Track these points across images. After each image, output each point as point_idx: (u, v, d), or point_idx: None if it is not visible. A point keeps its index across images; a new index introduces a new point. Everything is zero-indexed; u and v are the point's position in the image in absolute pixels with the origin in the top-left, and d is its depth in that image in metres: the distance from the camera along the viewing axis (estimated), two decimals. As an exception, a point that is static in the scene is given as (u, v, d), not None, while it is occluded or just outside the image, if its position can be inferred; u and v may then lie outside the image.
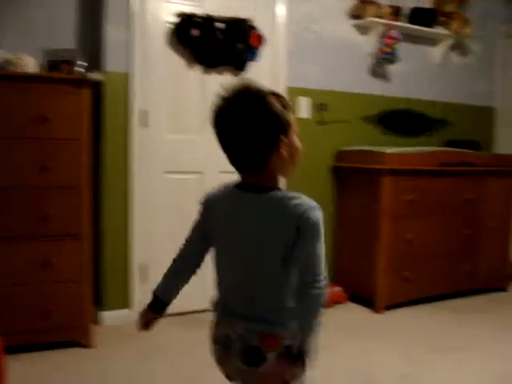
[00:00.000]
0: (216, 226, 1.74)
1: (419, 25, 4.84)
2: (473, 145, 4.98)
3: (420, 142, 5.00)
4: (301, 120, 4.37)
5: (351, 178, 4.45)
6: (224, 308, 1.72)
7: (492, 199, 4.75)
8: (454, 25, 5.01)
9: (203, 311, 4.06)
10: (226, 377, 1.73)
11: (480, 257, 4.74)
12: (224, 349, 1.68)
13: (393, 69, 4.82)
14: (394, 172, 4.09)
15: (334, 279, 4.56)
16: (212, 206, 1.77)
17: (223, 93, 1.66)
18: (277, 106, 1.58)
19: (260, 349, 1.60)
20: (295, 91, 4.35)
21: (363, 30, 4.67)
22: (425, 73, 5.07)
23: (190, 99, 4.05)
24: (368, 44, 4.69)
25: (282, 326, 1.62)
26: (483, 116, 5.56)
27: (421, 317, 4.16)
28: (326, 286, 1.62)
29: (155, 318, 1.87)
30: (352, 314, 4.20)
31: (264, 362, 1.60)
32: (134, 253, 3.89)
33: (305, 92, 4.42)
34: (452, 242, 4.54)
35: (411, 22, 4.83)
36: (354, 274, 4.42)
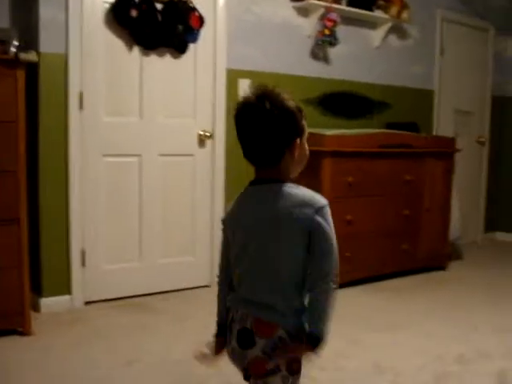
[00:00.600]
0: (236, 230, 1.77)
1: (359, 8, 4.88)
2: (412, 127, 5.07)
3: (361, 124, 5.06)
4: (242, 102, 4.37)
5: (292, 160, 4.46)
6: (235, 296, 1.76)
7: (431, 180, 4.84)
8: (393, 9, 5.07)
9: (143, 295, 4.05)
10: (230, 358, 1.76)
11: (419, 237, 4.84)
12: (229, 331, 1.73)
13: (333, 51, 4.85)
14: (334, 154, 4.13)
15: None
16: (230, 218, 1.82)
17: (252, 90, 1.71)
18: (297, 112, 1.70)
19: (252, 332, 1.65)
20: (235, 73, 4.34)
21: (304, 12, 4.68)
22: (365, 56, 5.12)
23: (129, 81, 3.99)
24: (308, 26, 4.70)
25: (282, 317, 1.64)
26: (422, 98, 5.66)
27: (361, 297, 4.23)
28: (336, 285, 1.65)
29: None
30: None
31: (253, 346, 1.64)
32: (72, 237, 3.81)
33: (245, 74, 4.40)
34: (392, 223, 4.62)
35: (351, 4, 4.86)
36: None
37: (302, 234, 1.63)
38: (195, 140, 4.27)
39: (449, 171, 4.99)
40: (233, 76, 4.32)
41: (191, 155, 4.26)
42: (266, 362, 1.63)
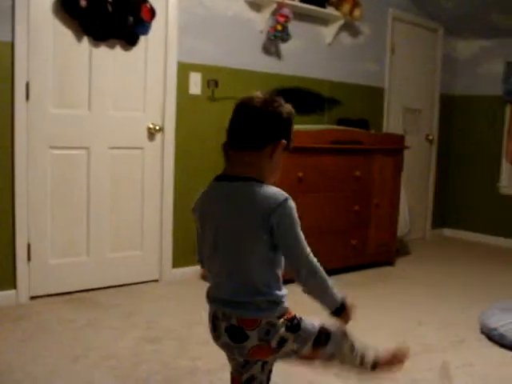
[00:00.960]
0: (205, 222, 1.92)
1: (311, 4, 4.90)
2: (362, 123, 5.12)
3: (312, 120, 5.08)
4: (191, 96, 4.34)
5: (244, 155, 4.45)
6: (211, 293, 1.91)
7: (380, 176, 4.90)
8: (345, 6, 5.10)
9: (90, 290, 4.00)
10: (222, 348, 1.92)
11: (368, 232, 4.90)
12: (214, 327, 1.88)
13: (285, 47, 4.86)
14: (284, 149, 4.12)
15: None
16: (200, 208, 1.95)
17: (257, 93, 1.94)
18: (286, 118, 1.91)
19: (242, 328, 1.79)
20: (186, 66, 4.31)
21: (256, 6, 4.67)
22: (316, 52, 5.14)
23: (78, 72, 3.92)
24: (261, 21, 4.69)
25: (261, 311, 1.79)
26: (372, 96, 5.72)
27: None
28: (316, 265, 1.83)
29: None
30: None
31: (247, 339, 1.79)
32: (18, 231, 3.73)
33: (196, 67, 4.37)
34: (341, 219, 4.66)
35: (303, 1, 4.87)
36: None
37: (267, 229, 1.77)
38: (145, 133, 4.22)
39: (398, 168, 5.06)
40: (184, 69, 4.29)
41: (140, 148, 4.21)
42: (267, 345, 1.80)
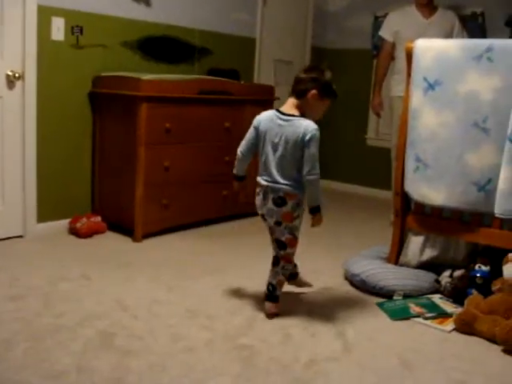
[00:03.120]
0: (261, 136, 3.01)
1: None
2: (233, 74, 5.08)
3: (182, 69, 4.99)
4: (54, 42, 4.11)
5: (109, 105, 4.31)
6: (265, 176, 2.96)
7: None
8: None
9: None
10: (261, 216, 3.05)
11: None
12: (264, 197, 2.96)
13: (153, -7, 4.71)
14: (151, 99, 4.04)
15: (94, 209, 4.48)
16: (259, 124, 3.03)
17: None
18: (322, 80, 2.94)
19: (284, 198, 2.90)
20: (47, 10, 4.04)
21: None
22: (187, 0, 5.01)
23: None
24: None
25: (297, 189, 2.90)
26: (244, 46, 5.69)
27: (180, 244, 4.24)
28: (318, 176, 2.88)
29: (244, 185, 3.26)
30: (111, 243, 4.15)
31: (285, 205, 2.90)
32: None
33: (58, 12, 4.11)
34: (212, 169, 4.64)
35: None
36: (114, 203, 4.36)
37: (302, 144, 2.84)
38: (3, 81, 3.96)
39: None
40: (45, 13, 4.03)
41: (-1, 97, 3.97)
42: (292, 213, 2.93)
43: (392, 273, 3.52)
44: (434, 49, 3.39)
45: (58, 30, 4.13)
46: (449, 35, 4.92)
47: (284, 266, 3.07)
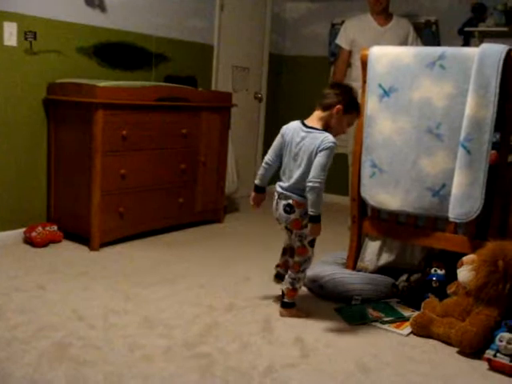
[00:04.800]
0: (285, 144, 3.13)
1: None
2: (190, 81, 5.07)
3: (139, 76, 4.95)
4: (6, 48, 4.02)
5: (65, 112, 4.25)
6: (281, 182, 3.13)
7: (207, 134, 4.90)
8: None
9: None
10: (276, 219, 3.20)
11: (196, 190, 4.90)
12: (276, 202, 3.14)
13: (110, 0, 4.65)
14: (107, 106, 3.99)
15: (50, 218, 4.41)
16: (285, 133, 3.15)
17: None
18: (348, 98, 3.08)
19: (293, 206, 3.05)
20: (0, 15, 3.98)
21: (76, -45, 4.42)
22: (144, 6, 4.98)
23: None
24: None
25: (304, 198, 3.01)
26: (201, 53, 5.67)
27: (137, 252, 4.19)
28: (321, 184, 2.95)
29: (262, 197, 3.33)
30: (67, 252, 4.08)
31: (294, 212, 3.06)
32: None
33: (10, 17, 4.01)
34: (169, 177, 4.61)
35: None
36: (71, 211, 4.29)
37: (313, 156, 2.97)
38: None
39: (225, 126, 5.09)
40: (-3, 18, 3.96)
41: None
42: (301, 221, 3.07)
43: (350, 278, 3.55)
44: (388, 56, 3.43)
45: (11, 35, 4.04)
46: (404, 42, 5.00)
47: (291, 275, 3.18)
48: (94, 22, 4.59)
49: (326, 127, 3.05)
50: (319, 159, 2.93)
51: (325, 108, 3.06)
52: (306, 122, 3.09)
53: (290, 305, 3.20)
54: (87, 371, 2.44)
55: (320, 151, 2.94)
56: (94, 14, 4.59)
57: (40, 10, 4.20)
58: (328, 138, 2.96)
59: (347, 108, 3.05)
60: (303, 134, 3.04)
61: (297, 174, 3.03)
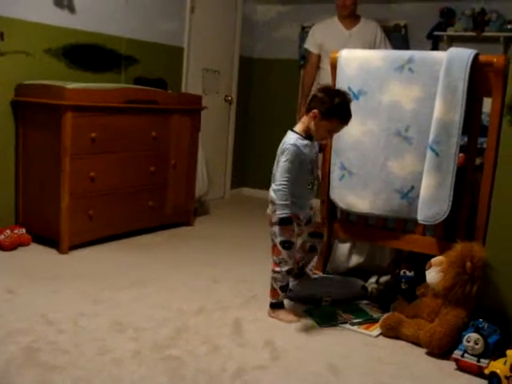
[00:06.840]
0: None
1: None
2: (160, 83, 5.05)
3: (109, 78, 4.92)
4: (-26, 49, 3.99)
5: (33, 114, 4.20)
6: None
7: (177, 137, 4.88)
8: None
9: None
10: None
11: (166, 193, 4.88)
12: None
13: (79, 1, 4.62)
14: (76, 108, 3.95)
15: (18, 221, 4.35)
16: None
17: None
18: (330, 102, 2.97)
19: (272, 202, 3.13)
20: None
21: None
22: (114, 7, 4.95)
23: None
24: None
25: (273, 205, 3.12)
26: (171, 55, 5.66)
27: (106, 255, 4.16)
28: (282, 187, 3.00)
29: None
30: (36, 255, 4.04)
31: (269, 207, 3.18)
32: None
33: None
34: (138, 179, 4.58)
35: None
36: (39, 214, 4.25)
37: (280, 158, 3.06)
38: None
39: (195, 128, 5.08)
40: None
41: None
42: (271, 218, 3.13)
43: (320, 280, 3.57)
44: (357, 59, 3.47)
45: (-19, 37, 4.00)
46: (371, 46, 5.04)
47: (271, 273, 3.21)
48: (63, 23, 4.55)
49: (308, 131, 3.08)
50: (281, 162, 3.02)
51: (307, 111, 3.07)
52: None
53: (274, 305, 3.21)
54: (56, 377, 2.41)
55: (281, 153, 3.03)
56: (63, 15, 4.54)
57: (8, 10, 4.14)
58: (289, 139, 3.04)
59: (326, 114, 2.97)
60: (285, 137, 3.11)
61: (274, 173, 3.13)
